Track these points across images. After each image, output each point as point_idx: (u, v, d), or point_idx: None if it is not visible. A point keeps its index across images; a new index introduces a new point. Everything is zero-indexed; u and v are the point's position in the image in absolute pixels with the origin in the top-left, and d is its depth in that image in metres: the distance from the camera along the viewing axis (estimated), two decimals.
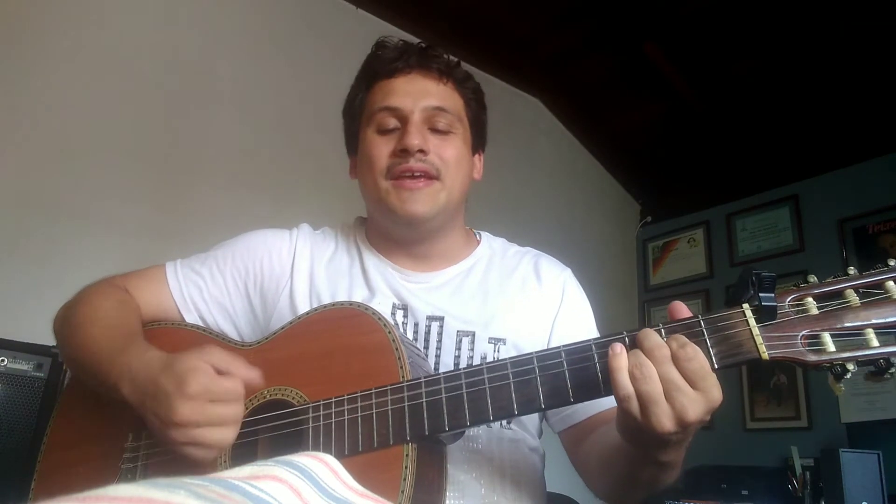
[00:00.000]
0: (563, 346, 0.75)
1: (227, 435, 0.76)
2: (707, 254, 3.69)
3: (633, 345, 0.71)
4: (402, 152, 0.99)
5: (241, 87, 2.51)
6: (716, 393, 0.67)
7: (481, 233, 1.18)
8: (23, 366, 1.42)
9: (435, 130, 1.02)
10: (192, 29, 2.43)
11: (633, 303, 3.91)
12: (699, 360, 0.67)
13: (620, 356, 0.69)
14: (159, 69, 2.30)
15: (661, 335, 0.71)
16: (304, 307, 1.00)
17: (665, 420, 0.67)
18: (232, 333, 1.04)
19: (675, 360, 0.67)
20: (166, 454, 0.84)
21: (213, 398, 0.75)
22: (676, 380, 0.67)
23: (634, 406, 0.67)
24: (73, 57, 2.12)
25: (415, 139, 0.98)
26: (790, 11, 2.78)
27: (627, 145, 3.81)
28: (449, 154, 1.02)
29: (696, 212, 3.79)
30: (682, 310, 0.74)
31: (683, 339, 0.69)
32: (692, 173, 3.77)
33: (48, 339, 1.50)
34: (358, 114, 1.08)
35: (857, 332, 0.68)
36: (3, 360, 1.40)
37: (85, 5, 2.18)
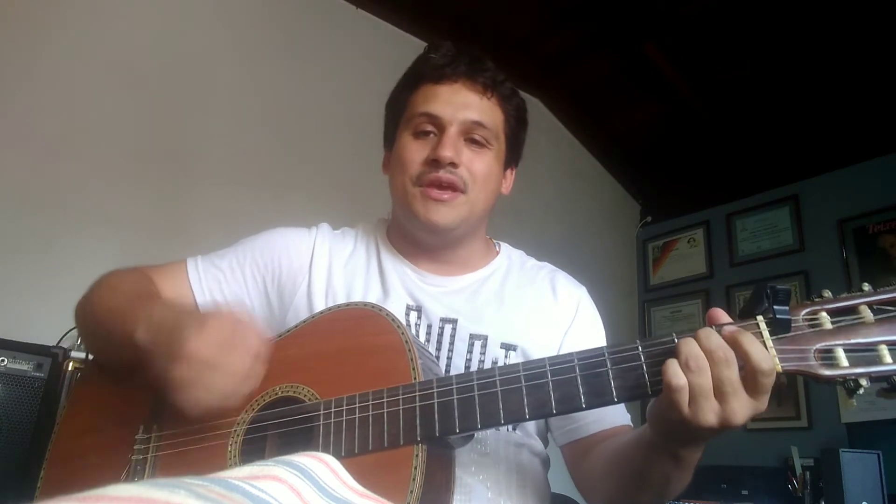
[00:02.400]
0: (577, 352, 0.75)
1: (228, 382, 0.75)
2: (707, 254, 3.68)
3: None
4: (434, 162, 0.99)
5: (241, 87, 2.51)
6: (765, 400, 0.68)
7: (501, 243, 1.19)
8: (23, 366, 1.43)
9: (470, 141, 1.03)
10: (192, 29, 2.43)
11: (634, 303, 3.91)
12: (770, 378, 0.67)
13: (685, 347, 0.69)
14: (159, 69, 2.30)
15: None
16: (320, 305, 1.00)
17: (711, 415, 0.67)
18: None
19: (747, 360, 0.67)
20: (175, 447, 0.84)
21: (225, 343, 0.74)
22: (734, 382, 0.67)
23: (684, 398, 0.67)
24: (73, 56, 2.12)
25: (448, 151, 0.99)
26: (790, 11, 2.78)
27: (627, 145, 3.81)
28: (479, 169, 1.02)
29: (696, 212, 3.79)
30: (721, 315, 0.73)
31: (751, 336, 0.68)
32: (692, 173, 3.77)
33: (48, 339, 1.51)
34: (399, 111, 1.08)
35: (871, 347, 0.68)
36: (3, 360, 1.40)
37: (85, 5, 2.18)
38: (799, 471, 2.61)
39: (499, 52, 3.23)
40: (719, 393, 0.67)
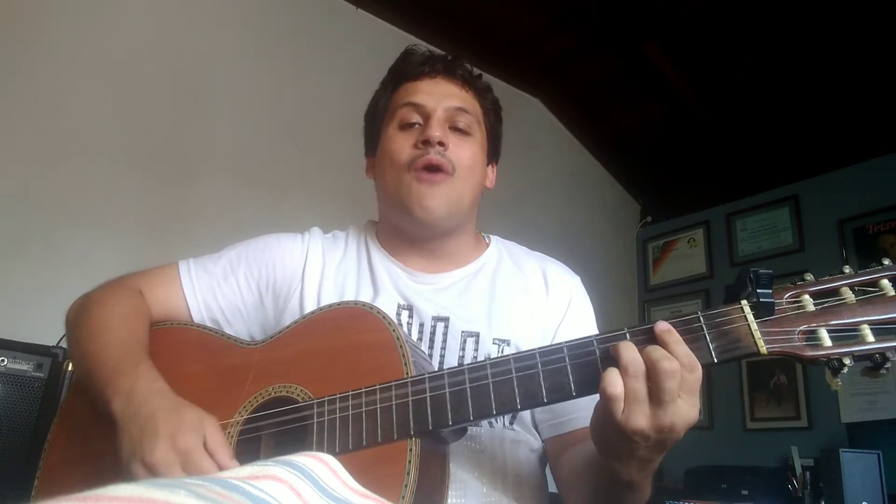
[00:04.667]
0: (566, 341, 0.76)
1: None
2: (707, 254, 3.69)
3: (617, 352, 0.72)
4: (424, 143, 1.01)
5: (241, 87, 2.51)
6: (696, 412, 0.69)
7: (491, 236, 1.19)
8: (23, 366, 1.42)
9: (455, 129, 1.05)
10: (192, 29, 2.43)
11: (633, 303, 3.91)
12: (698, 373, 0.69)
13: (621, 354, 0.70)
14: (159, 69, 2.30)
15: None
16: (312, 309, 1.00)
17: (642, 418, 0.68)
18: (242, 333, 1.05)
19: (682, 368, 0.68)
20: None
21: (186, 463, 0.75)
22: (674, 391, 0.68)
23: (619, 406, 0.68)
24: (73, 57, 2.12)
25: (436, 131, 1.01)
26: (790, 12, 2.78)
27: (627, 145, 3.81)
28: (465, 155, 1.04)
29: (696, 212, 3.79)
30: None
31: (685, 349, 0.70)
32: (692, 173, 3.77)
33: (48, 339, 1.51)
34: (381, 115, 1.11)
35: (853, 328, 0.70)
36: (3, 360, 1.40)
37: (85, 5, 2.18)
38: (799, 471, 2.61)
39: (499, 52, 3.27)
40: (659, 401, 0.68)
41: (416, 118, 1.04)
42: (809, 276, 0.74)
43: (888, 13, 2.63)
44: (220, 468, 0.77)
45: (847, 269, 0.73)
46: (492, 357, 0.97)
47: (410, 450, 0.74)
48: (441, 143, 1.01)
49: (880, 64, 2.85)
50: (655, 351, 0.69)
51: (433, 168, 1.01)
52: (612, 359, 0.72)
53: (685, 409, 0.68)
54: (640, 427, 0.68)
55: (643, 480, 0.77)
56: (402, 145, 1.03)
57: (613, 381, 0.69)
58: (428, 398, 0.76)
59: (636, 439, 0.69)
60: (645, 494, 0.80)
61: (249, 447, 0.83)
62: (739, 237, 3.57)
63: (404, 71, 1.09)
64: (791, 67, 3.03)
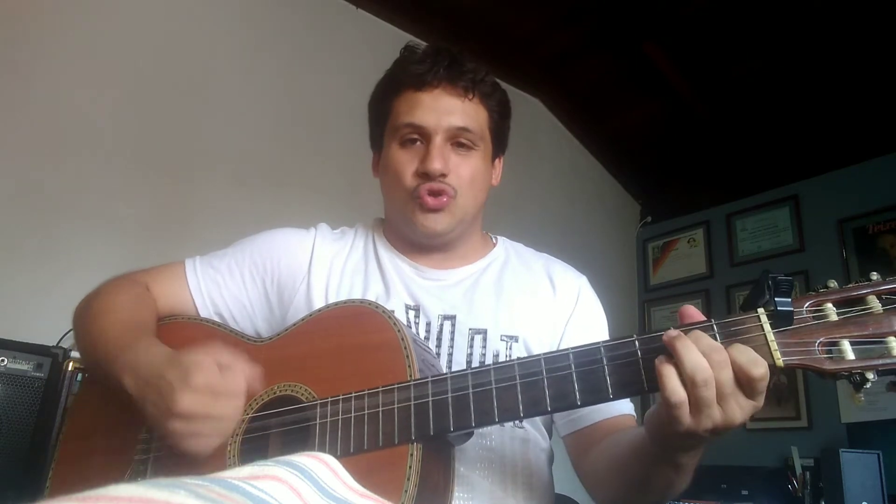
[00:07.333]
0: (572, 348, 0.74)
1: (226, 427, 0.78)
2: (707, 254, 3.68)
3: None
4: (424, 175, 1.01)
5: (241, 87, 2.51)
6: (762, 399, 0.66)
7: (497, 237, 1.20)
8: (23, 366, 1.43)
9: (456, 145, 1.04)
10: (193, 28, 2.43)
11: (633, 303, 3.91)
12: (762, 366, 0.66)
13: (671, 359, 0.67)
14: (159, 68, 2.30)
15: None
16: (320, 304, 1.01)
17: (711, 421, 0.65)
18: (248, 328, 1.05)
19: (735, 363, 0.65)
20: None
21: (214, 392, 0.76)
22: (732, 383, 0.65)
23: (685, 411, 0.65)
24: (73, 56, 2.12)
25: (436, 163, 1.00)
26: (790, 12, 2.78)
27: (627, 145, 3.81)
28: (466, 173, 1.04)
29: (696, 212, 3.79)
30: (694, 314, 0.71)
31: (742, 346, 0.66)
32: (692, 173, 3.77)
33: (48, 339, 1.51)
34: (383, 117, 1.09)
35: (879, 339, 0.65)
36: (3, 360, 1.40)
37: (85, 5, 2.18)
38: (799, 471, 2.61)
39: (499, 52, 3.27)
40: (720, 396, 0.65)
41: (416, 137, 1.04)
42: (833, 284, 0.69)
43: (888, 13, 2.63)
44: (244, 374, 0.79)
45: (875, 276, 0.68)
46: (500, 354, 0.98)
47: (412, 455, 0.73)
48: (442, 175, 1.01)
49: (880, 64, 2.85)
50: (700, 342, 0.65)
51: (434, 192, 1.01)
52: (616, 364, 0.71)
53: (749, 404, 0.66)
54: (712, 428, 0.66)
55: (695, 462, 0.77)
56: (404, 168, 1.03)
57: (675, 388, 0.65)
58: (430, 403, 0.75)
59: (707, 436, 0.67)
60: (690, 476, 0.81)
61: (254, 446, 0.83)
62: (739, 237, 3.57)
63: (405, 76, 1.06)
64: (791, 67, 3.03)
